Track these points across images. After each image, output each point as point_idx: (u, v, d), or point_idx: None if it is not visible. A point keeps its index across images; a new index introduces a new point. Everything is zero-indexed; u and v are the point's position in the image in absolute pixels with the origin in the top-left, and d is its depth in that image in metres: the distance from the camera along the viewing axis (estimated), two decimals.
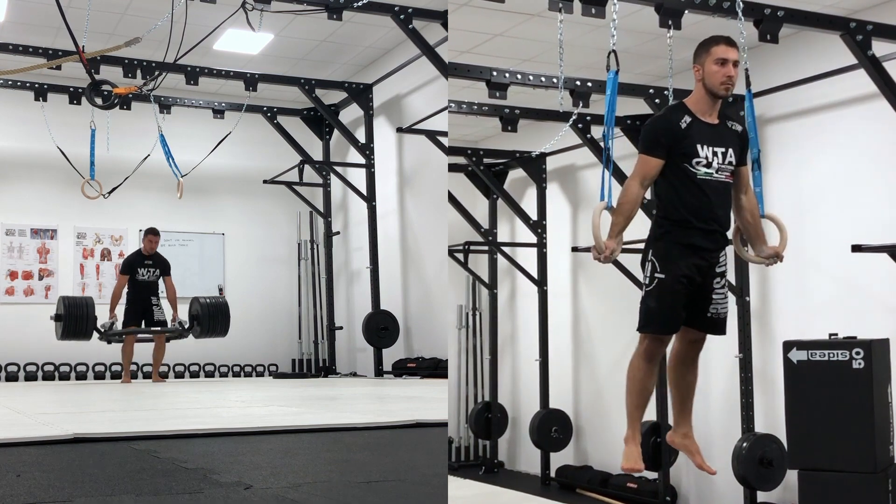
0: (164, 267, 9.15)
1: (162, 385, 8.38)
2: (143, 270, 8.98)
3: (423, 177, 9.33)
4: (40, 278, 10.34)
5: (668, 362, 3.96)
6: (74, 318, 8.62)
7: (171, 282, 9.12)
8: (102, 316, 8.79)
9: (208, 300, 9.28)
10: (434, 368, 8.68)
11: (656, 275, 3.64)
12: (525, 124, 7.91)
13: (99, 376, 10.31)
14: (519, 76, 6.44)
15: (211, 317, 9.12)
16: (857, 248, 5.89)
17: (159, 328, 8.97)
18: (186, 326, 9.13)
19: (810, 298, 6.91)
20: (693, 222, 3.64)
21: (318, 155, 10.91)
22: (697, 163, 3.63)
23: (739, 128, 3.78)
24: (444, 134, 8.52)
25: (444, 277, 9.09)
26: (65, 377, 10.16)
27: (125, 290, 8.95)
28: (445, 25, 7.40)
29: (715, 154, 3.66)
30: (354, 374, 10.32)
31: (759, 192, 3.93)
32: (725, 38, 3.68)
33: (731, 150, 3.72)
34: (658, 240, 3.70)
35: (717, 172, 3.67)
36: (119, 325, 8.88)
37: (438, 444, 3.26)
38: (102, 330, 8.80)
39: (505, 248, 9.65)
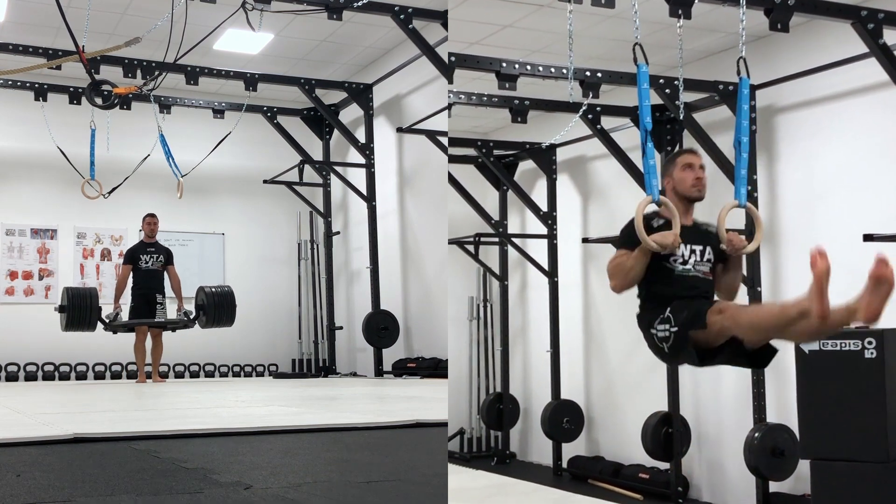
0: (167, 255, 9.00)
1: (162, 385, 8.32)
2: (146, 257, 8.84)
3: (423, 177, 9.33)
4: (40, 278, 10.34)
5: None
6: (78, 309, 8.52)
7: (175, 271, 8.99)
8: (106, 310, 8.74)
9: (214, 289, 9.13)
10: (434, 368, 8.68)
11: (671, 329, 3.53)
12: (535, 115, 7.91)
13: (99, 376, 10.31)
14: (528, 67, 6.43)
15: (217, 306, 8.97)
16: (868, 238, 5.89)
17: (162, 321, 8.86)
18: (192, 317, 9.00)
19: None
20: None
21: (318, 155, 10.91)
22: (674, 259, 3.64)
23: (713, 229, 3.75)
24: (444, 134, 8.52)
25: (445, 277, 9.09)
26: (65, 377, 10.15)
27: (130, 284, 8.81)
28: (445, 25, 7.40)
29: (693, 252, 3.67)
30: (354, 374, 10.32)
31: (744, 174, 3.87)
32: (689, 149, 3.87)
33: (709, 248, 3.72)
34: (644, 316, 3.70)
35: (694, 268, 3.67)
36: (123, 318, 8.79)
37: (438, 444, 3.26)
38: (107, 321, 8.69)
39: (515, 240, 9.66)
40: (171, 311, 9.03)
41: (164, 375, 10.64)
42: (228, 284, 9.43)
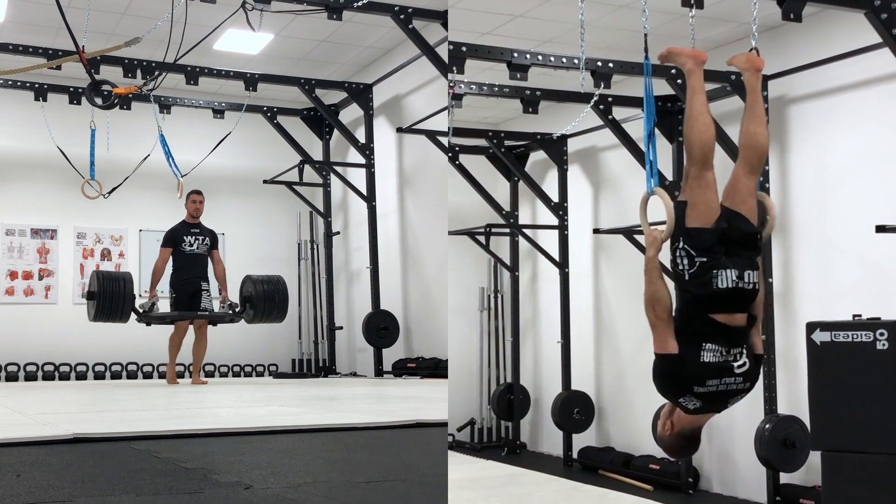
0: (212, 237, 8.15)
1: (199, 387, 7.48)
2: (191, 239, 8.01)
3: (423, 177, 9.33)
4: (40, 278, 10.34)
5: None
6: (110, 296, 7.61)
7: (220, 256, 8.23)
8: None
9: (263, 279, 8.24)
10: (434, 368, 8.68)
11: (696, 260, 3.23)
12: (546, 106, 7.92)
13: (99, 376, 10.30)
14: (540, 57, 6.44)
15: (266, 298, 8.13)
16: (881, 229, 5.87)
17: (206, 313, 8.01)
18: (238, 310, 8.11)
19: (834, 279, 6.88)
20: None
21: (318, 155, 10.91)
22: None
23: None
24: (444, 134, 8.52)
25: (445, 277, 9.10)
26: (65, 377, 10.15)
27: (170, 270, 7.99)
28: (445, 25, 7.40)
29: None
30: (354, 374, 10.31)
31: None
32: None
33: None
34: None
35: None
36: (160, 308, 8.04)
37: (438, 444, 3.26)
38: (141, 311, 7.82)
39: (526, 231, 9.68)
40: (216, 302, 8.28)
41: (164, 376, 10.62)
42: (279, 274, 8.71)
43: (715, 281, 3.18)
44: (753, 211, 3.30)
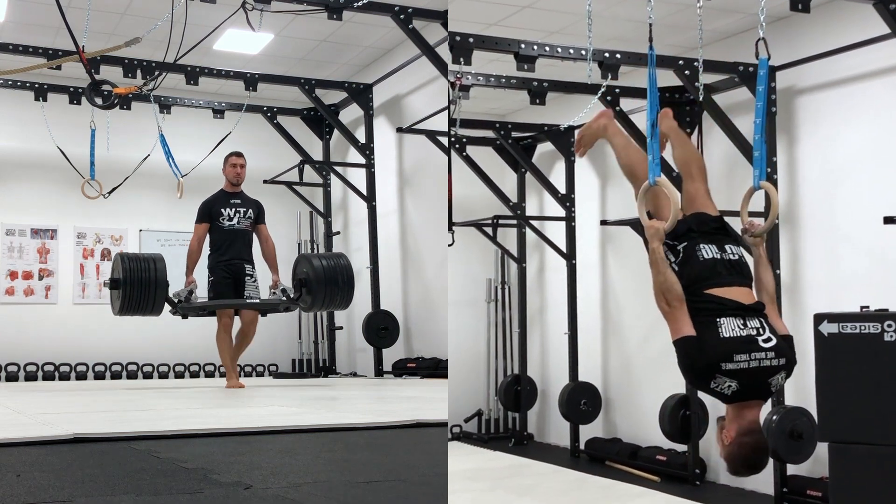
0: (257, 209, 6.98)
1: (235, 391, 6.45)
2: (230, 212, 6.93)
3: (423, 177, 9.34)
4: (40, 278, 10.34)
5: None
6: (139, 285, 6.37)
7: (268, 232, 7.04)
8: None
9: (323, 255, 7.04)
10: (434, 368, 8.69)
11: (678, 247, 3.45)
12: (553, 97, 7.90)
13: (99, 376, 10.30)
14: (547, 48, 6.43)
15: (328, 280, 6.80)
16: (889, 220, 5.85)
17: (255, 301, 6.83)
18: (292, 296, 6.92)
19: (841, 271, 6.86)
20: None
21: (318, 155, 10.91)
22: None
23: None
24: (444, 134, 8.53)
25: (445, 277, 9.10)
26: (65, 377, 10.15)
27: (207, 250, 6.92)
28: (445, 25, 7.40)
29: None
30: (354, 374, 10.32)
31: (758, 156, 3.81)
32: None
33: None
34: None
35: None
36: (199, 297, 6.89)
37: (438, 444, 3.26)
38: (176, 300, 6.67)
39: (533, 222, 9.67)
40: (263, 288, 7.17)
41: (164, 376, 10.63)
42: (342, 252, 7.57)
43: (699, 254, 3.37)
44: (714, 210, 3.61)
